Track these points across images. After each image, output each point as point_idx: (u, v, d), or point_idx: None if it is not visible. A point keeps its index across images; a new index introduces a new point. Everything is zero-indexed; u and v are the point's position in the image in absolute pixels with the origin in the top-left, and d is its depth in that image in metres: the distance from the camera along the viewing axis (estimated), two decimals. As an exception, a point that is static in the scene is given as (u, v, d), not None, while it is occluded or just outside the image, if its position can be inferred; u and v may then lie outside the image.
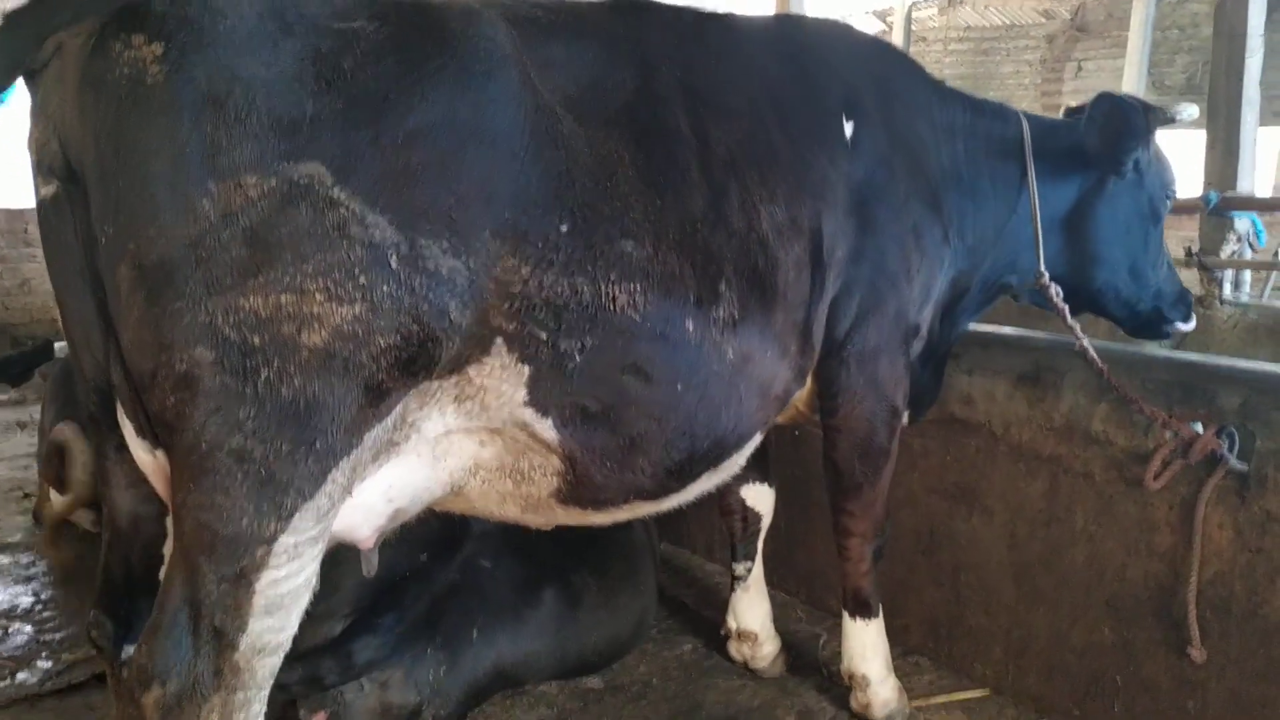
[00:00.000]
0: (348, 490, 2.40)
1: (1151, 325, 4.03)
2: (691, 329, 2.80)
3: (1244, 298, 5.71)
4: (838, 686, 3.99)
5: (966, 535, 4.09)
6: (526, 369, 2.57)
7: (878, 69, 3.62)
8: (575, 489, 2.87)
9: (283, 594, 2.32)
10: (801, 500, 4.68)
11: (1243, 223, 5.48)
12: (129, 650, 2.60)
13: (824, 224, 3.18)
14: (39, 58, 2.20)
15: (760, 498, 4.21)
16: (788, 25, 3.69)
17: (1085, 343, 3.62)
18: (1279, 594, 3.21)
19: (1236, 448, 3.30)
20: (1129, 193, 3.88)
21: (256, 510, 2.22)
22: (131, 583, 2.67)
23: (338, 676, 3.27)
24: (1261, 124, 5.73)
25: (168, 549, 2.57)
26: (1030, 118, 3.95)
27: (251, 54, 2.15)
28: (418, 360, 2.36)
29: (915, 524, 4.25)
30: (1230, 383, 3.34)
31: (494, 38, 2.49)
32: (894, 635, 4.37)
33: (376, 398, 2.32)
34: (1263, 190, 11.21)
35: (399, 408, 2.44)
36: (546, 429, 2.70)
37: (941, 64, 15.85)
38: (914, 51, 14.86)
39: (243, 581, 2.25)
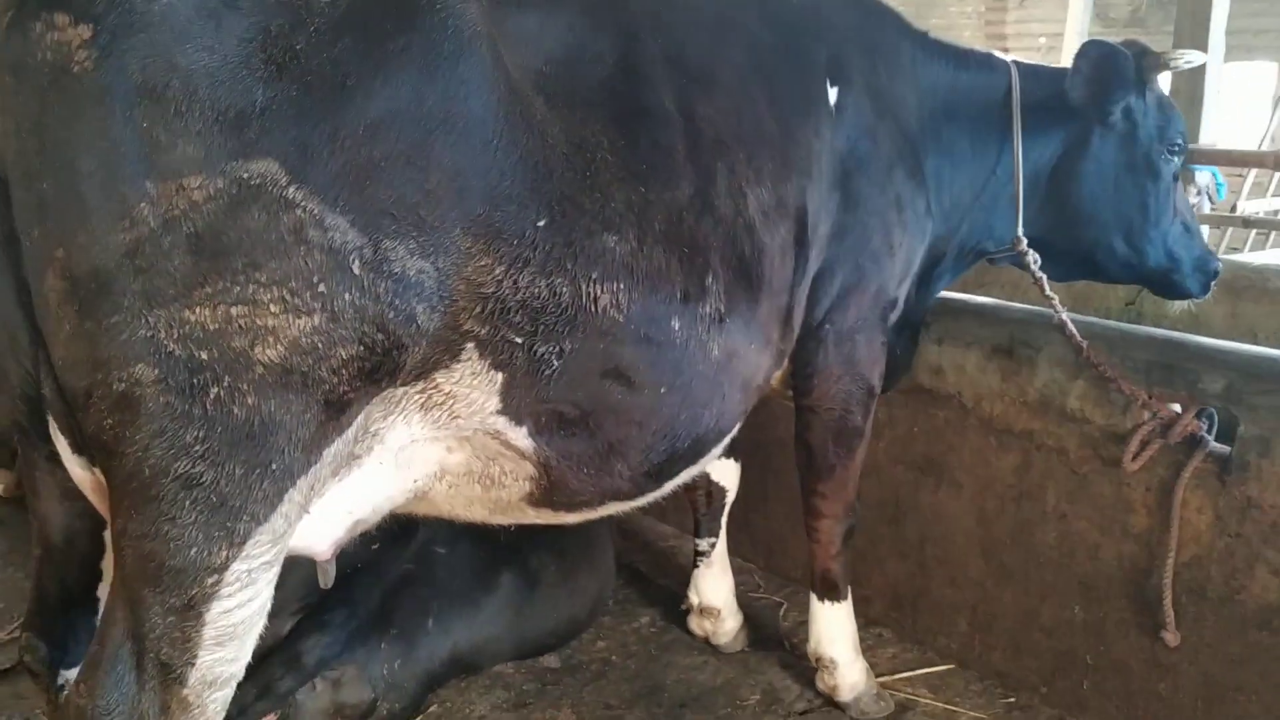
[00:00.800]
0: (305, 509, 2.20)
1: (1167, 288, 3.82)
2: (677, 328, 2.62)
3: (1201, 251, 5.65)
4: (801, 663, 3.91)
5: (933, 508, 4.00)
6: (500, 375, 2.38)
7: (860, 26, 3.43)
8: (549, 493, 2.70)
9: (235, 623, 2.11)
10: (759, 466, 4.54)
11: (1204, 175, 5.42)
12: (66, 675, 2.41)
13: (809, 201, 3.01)
14: None
15: (726, 473, 4.09)
16: None
17: (1064, 316, 3.51)
18: (1257, 580, 3.16)
19: (1215, 430, 3.24)
20: (1119, 146, 3.62)
21: (206, 538, 2.00)
22: (67, 601, 2.46)
23: (291, 681, 3.11)
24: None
25: (106, 564, 2.40)
26: (1019, 66, 3.72)
27: (192, 37, 1.89)
28: (381, 368, 2.16)
29: (880, 494, 4.15)
30: (1215, 365, 3.24)
31: (463, 12, 2.22)
32: (856, 606, 4.28)
33: (337, 411, 2.12)
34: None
35: (361, 418, 2.24)
36: (520, 437, 2.51)
37: (883, -10, 15.62)
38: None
39: (191, 613, 2.04)
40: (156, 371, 1.92)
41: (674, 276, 2.59)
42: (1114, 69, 3.45)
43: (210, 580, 2.04)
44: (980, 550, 3.87)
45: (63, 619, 2.46)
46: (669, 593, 4.48)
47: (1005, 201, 3.63)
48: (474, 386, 2.37)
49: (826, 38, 3.23)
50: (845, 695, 3.69)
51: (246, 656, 2.21)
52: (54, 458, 2.25)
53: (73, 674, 2.36)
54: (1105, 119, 3.55)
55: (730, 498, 4.15)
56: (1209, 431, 3.23)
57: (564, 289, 2.37)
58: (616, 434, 2.64)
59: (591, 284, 2.42)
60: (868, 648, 4.10)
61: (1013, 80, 3.61)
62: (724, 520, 4.16)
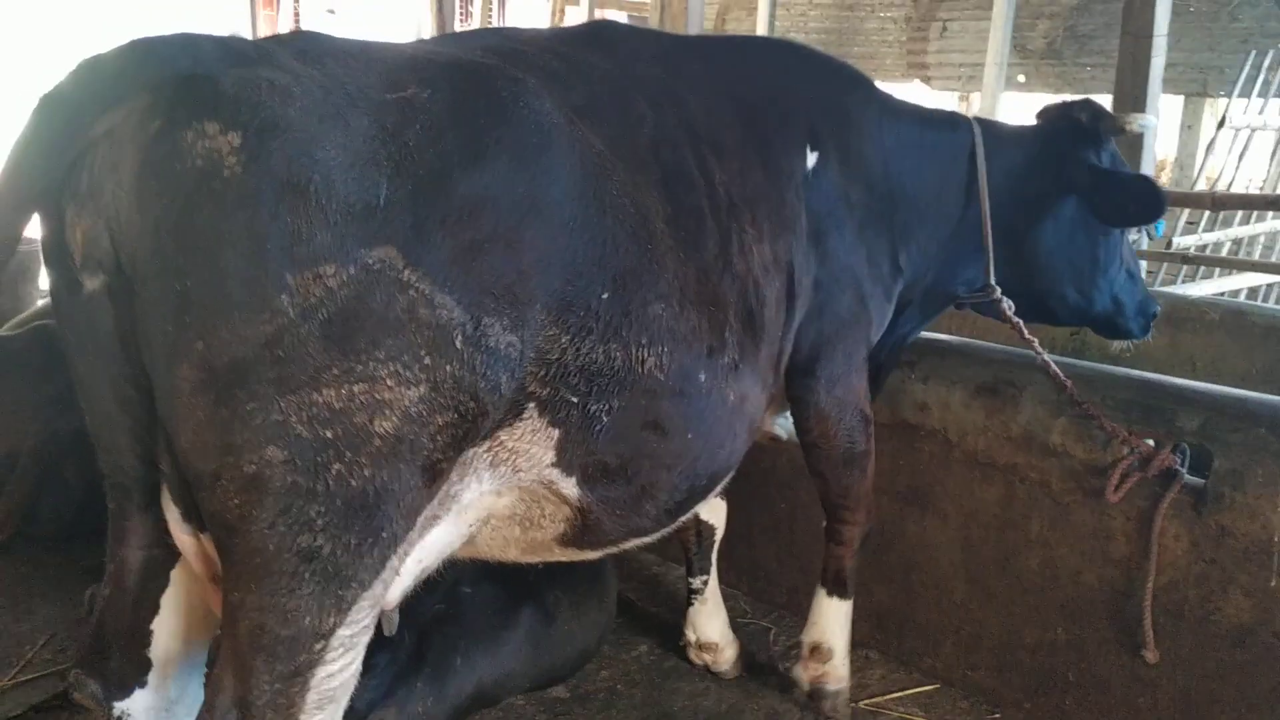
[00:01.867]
0: (399, 572, 2.34)
1: (1111, 330, 4.16)
2: (703, 379, 2.83)
3: (1139, 284, 6.00)
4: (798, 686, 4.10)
5: (918, 536, 4.23)
6: (556, 432, 2.55)
7: (832, 93, 3.66)
8: (581, 534, 2.88)
9: (335, 687, 2.24)
10: (742, 496, 4.73)
11: (1143, 214, 5.74)
12: (121, 706, 2.51)
13: (795, 256, 3.23)
14: (84, 142, 2.02)
15: (713, 511, 4.28)
16: (751, 48, 3.70)
17: (1046, 357, 3.77)
18: (1231, 602, 3.44)
19: (1188, 464, 3.52)
20: (1077, 202, 3.91)
21: (319, 608, 2.12)
22: (124, 638, 2.55)
23: None
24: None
25: (165, 600, 2.51)
26: (981, 123, 4.00)
27: (327, 136, 2.05)
28: (470, 435, 2.31)
29: (866, 523, 4.37)
30: (1190, 404, 3.53)
31: (543, 107, 2.44)
32: (842, 629, 4.53)
33: (432, 477, 2.26)
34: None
35: (445, 485, 2.38)
36: (569, 486, 2.69)
37: (806, 19, 16.03)
38: (779, 3, 14.95)
39: (297, 679, 2.16)
40: (285, 453, 2.02)
41: (703, 333, 2.81)
42: (1098, 183, 3.80)
43: (318, 647, 2.15)
44: (965, 576, 4.11)
45: (116, 655, 2.53)
46: (662, 620, 4.65)
47: (970, 250, 3.88)
48: (534, 443, 2.54)
49: (806, 106, 3.46)
50: (832, 685, 3.88)
51: (339, 717, 2.33)
52: (146, 509, 2.37)
53: (128, 703, 2.51)
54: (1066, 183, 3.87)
55: (719, 535, 4.35)
56: (1183, 465, 3.51)
57: (617, 354, 2.57)
58: (650, 478, 2.83)
59: (641, 348, 2.62)
60: (856, 669, 4.31)
61: (976, 137, 3.87)
62: (714, 557, 4.34)
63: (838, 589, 3.89)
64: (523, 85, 2.45)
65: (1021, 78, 14.51)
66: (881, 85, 4.03)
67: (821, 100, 3.56)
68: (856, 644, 4.43)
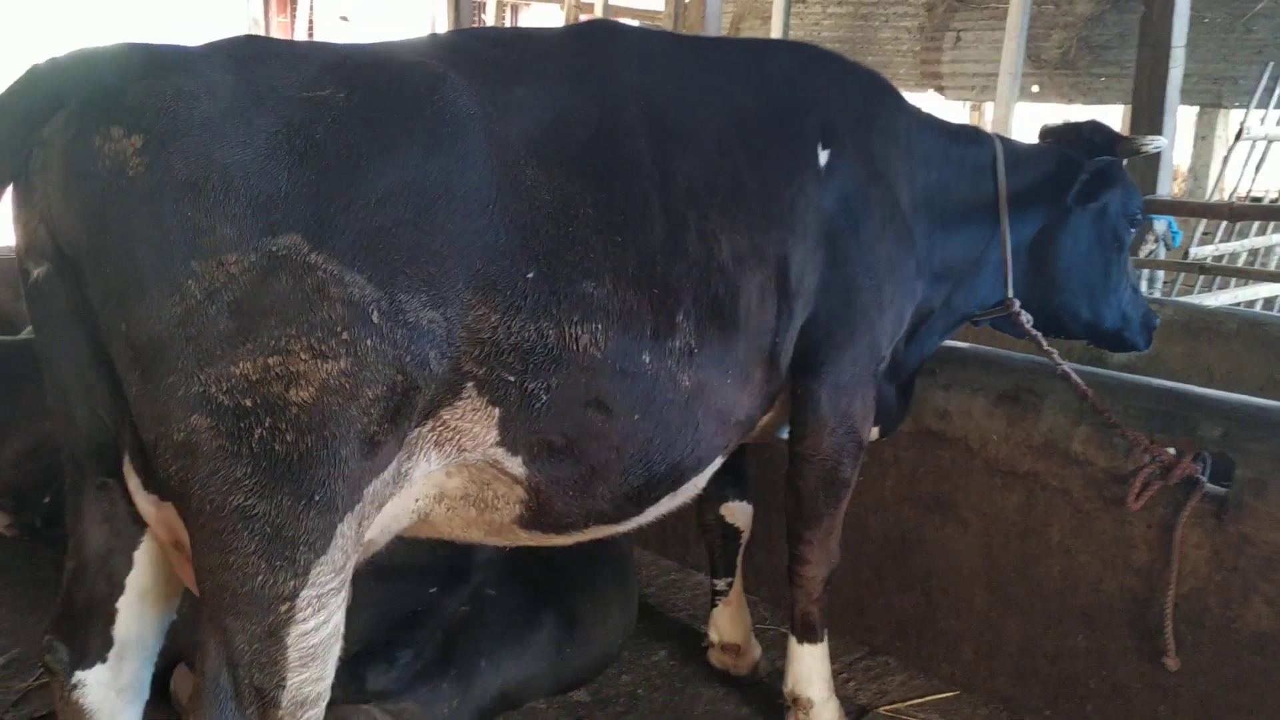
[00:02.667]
0: (358, 543, 2.45)
1: (1118, 344, 4.24)
2: (648, 361, 2.88)
3: (1156, 294, 6.05)
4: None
5: (938, 543, 4.26)
6: (497, 410, 2.65)
7: (857, 96, 3.67)
8: (537, 516, 2.95)
9: (314, 645, 2.38)
10: (762, 503, 4.75)
11: (1160, 224, 5.79)
12: (79, 675, 2.64)
13: (791, 252, 3.23)
14: (25, 147, 2.25)
15: (738, 514, 4.29)
16: (767, 51, 3.72)
17: (1066, 367, 3.80)
18: (1252, 610, 3.46)
19: (1208, 472, 3.54)
20: (1092, 221, 4.03)
21: (269, 566, 2.27)
22: (90, 612, 2.67)
23: (341, 694, 3.21)
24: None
25: (130, 580, 2.66)
26: (1003, 141, 4.06)
27: (226, 136, 2.22)
28: (403, 410, 2.42)
29: (885, 530, 4.41)
30: (1212, 413, 3.56)
31: (457, 100, 2.57)
32: (860, 635, 4.56)
33: (370, 450, 2.37)
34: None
35: (394, 463, 2.50)
36: (515, 465, 2.77)
37: (820, 28, 16.07)
38: (794, 13, 15.01)
39: (273, 637, 2.32)
40: (209, 420, 2.21)
41: (644, 315, 2.85)
42: (1107, 178, 3.87)
43: (284, 607, 2.31)
44: (985, 583, 4.13)
45: (84, 628, 2.66)
46: (681, 625, 4.68)
47: (990, 267, 3.95)
48: (475, 421, 2.64)
49: (822, 107, 3.47)
50: None
51: (330, 675, 2.47)
52: (103, 487, 2.56)
53: (86, 674, 2.64)
54: (1086, 206, 3.95)
55: (744, 538, 4.35)
56: (1204, 473, 3.54)
57: (550, 331, 2.66)
58: (597, 459, 2.89)
59: (573, 325, 2.70)
60: (875, 676, 4.35)
61: (997, 153, 3.93)
62: (739, 560, 4.35)
63: (807, 635, 3.83)
64: (441, 81, 2.58)
65: (1035, 88, 14.54)
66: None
67: (843, 102, 3.57)
68: (876, 651, 4.48)
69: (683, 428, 3.03)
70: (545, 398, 2.69)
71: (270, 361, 2.21)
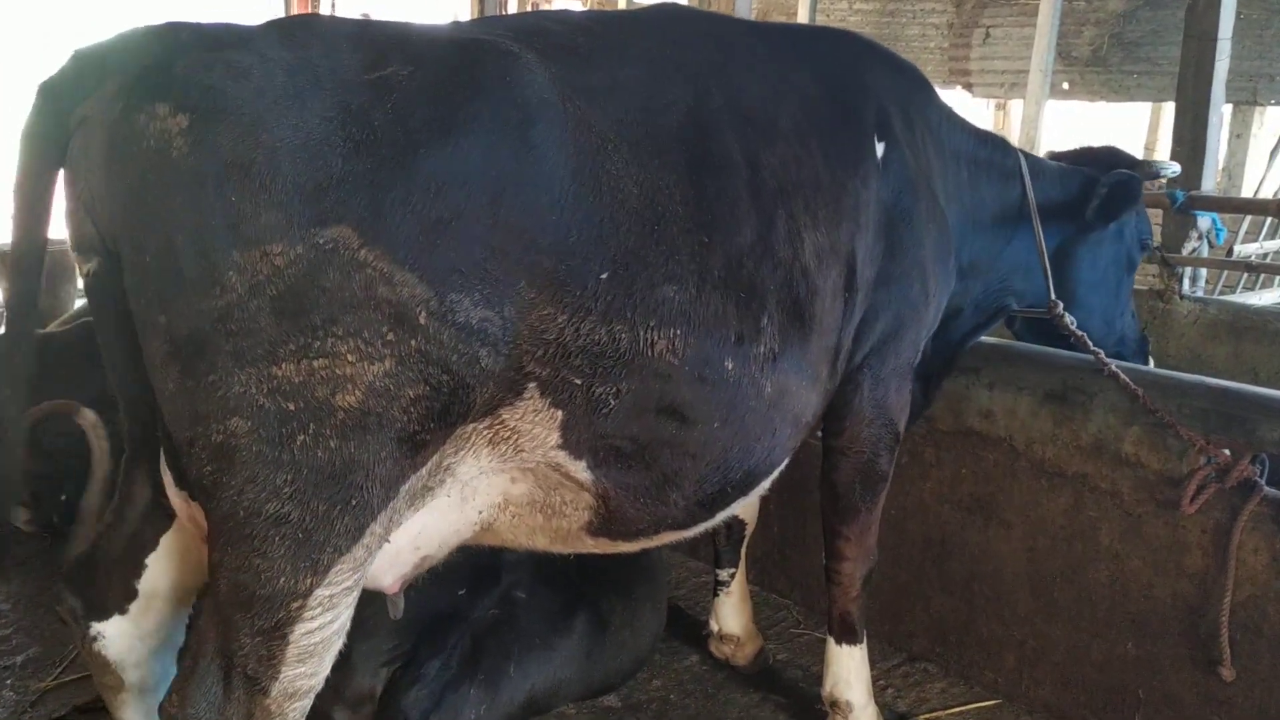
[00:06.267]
0: (385, 538, 2.38)
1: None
2: (731, 368, 2.75)
3: (1199, 293, 5.90)
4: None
5: (981, 546, 4.13)
6: (559, 413, 2.52)
7: (899, 89, 3.59)
8: (607, 523, 2.83)
9: (316, 643, 2.31)
10: (795, 502, 4.66)
11: (1204, 220, 5.65)
12: (96, 628, 2.66)
13: (858, 247, 3.13)
14: (65, 131, 2.16)
15: (744, 506, 4.17)
16: (816, 38, 3.63)
17: (1114, 367, 3.68)
18: (1313, 619, 3.32)
19: (1266, 475, 3.40)
20: (1111, 243, 4.17)
21: (293, 569, 2.20)
22: (112, 564, 2.67)
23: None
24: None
25: (165, 540, 2.66)
26: (1025, 155, 4.08)
27: (277, 118, 2.09)
28: (451, 409, 2.31)
29: (925, 532, 4.28)
30: (1271, 413, 3.42)
31: (532, 82, 2.41)
32: (898, 641, 4.44)
33: (412, 449, 2.28)
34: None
35: (436, 456, 2.40)
36: (580, 470, 2.65)
37: (846, 24, 15.90)
38: (819, 9, 14.88)
39: (277, 634, 2.25)
40: (249, 424, 2.11)
41: (729, 320, 2.72)
42: (1129, 194, 3.97)
43: (295, 605, 2.23)
44: (1029, 588, 4.00)
45: (104, 579, 2.67)
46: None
47: (1018, 269, 3.97)
48: (536, 423, 2.51)
49: (874, 97, 3.38)
50: None
51: (325, 671, 2.40)
52: (154, 461, 2.51)
53: (104, 625, 2.66)
54: (1107, 227, 4.07)
55: (749, 530, 4.29)
56: (1262, 476, 3.40)
57: (623, 335, 2.51)
58: (671, 466, 2.77)
59: (649, 330, 2.56)
60: (914, 683, 4.23)
61: (1022, 164, 3.95)
62: (743, 551, 4.29)
63: (846, 635, 3.74)
64: (513, 60, 2.43)
65: (1065, 85, 14.34)
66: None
67: (891, 93, 3.48)
68: (914, 657, 4.36)
69: (762, 434, 2.91)
70: (614, 403, 2.55)
71: (316, 364, 2.10)
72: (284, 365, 2.09)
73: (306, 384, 2.10)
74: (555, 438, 2.54)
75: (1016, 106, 15.00)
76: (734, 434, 2.82)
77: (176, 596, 2.70)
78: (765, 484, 3.22)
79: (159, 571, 2.64)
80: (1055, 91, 13.47)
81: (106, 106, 2.11)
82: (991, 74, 15.16)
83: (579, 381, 2.48)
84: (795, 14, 13.89)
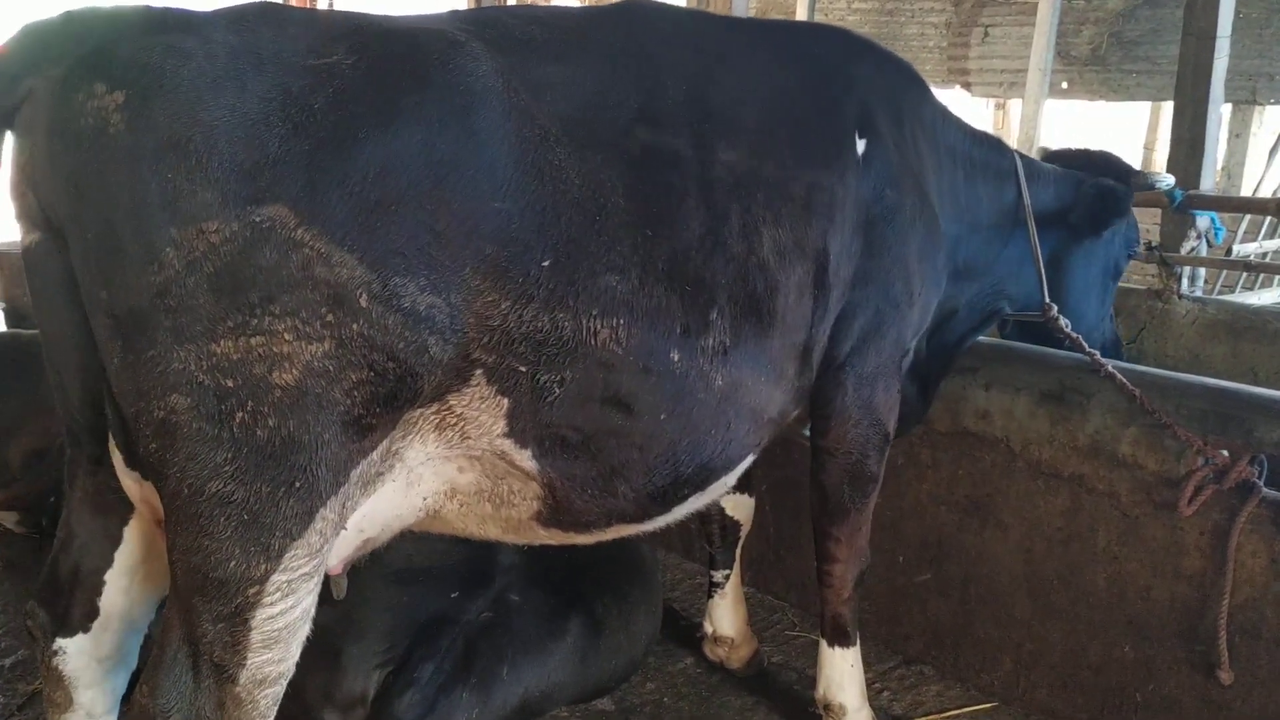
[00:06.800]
0: (341, 525, 2.38)
1: None
2: (677, 359, 2.75)
3: (1197, 292, 5.86)
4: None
5: (977, 548, 4.10)
6: (505, 401, 2.53)
7: (888, 84, 3.56)
8: (555, 513, 2.83)
9: (280, 628, 2.32)
10: (791, 504, 4.63)
11: (1203, 220, 5.61)
12: (60, 643, 2.67)
13: (830, 244, 3.11)
14: (10, 103, 2.18)
15: (739, 507, 4.21)
16: (800, 33, 3.61)
17: (1110, 368, 3.65)
18: (1312, 621, 3.29)
19: (1265, 476, 3.37)
20: (1101, 249, 4.22)
21: (243, 552, 2.21)
22: (75, 582, 2.68)
23: None
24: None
25: (119, 555, 2.67)
26: (1021, 156, 4.06)
27: (215, 98, 2.11)
28: (398, 395, 2.33)
29: (922, 535, 4.25)
30: (1270, 413, 3.39)
31: (475, 71, 2.43)
32: (894, 644, 4.41)
33: (359, 433, 2.29)
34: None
35: (385, 441, 2.41)
36: (525, 459, 2.66)
37: (844, 22, 15.86)
38: (818, 9, 14.84)
39: (238, 619, 2.26)
40: (189, 400, 2.13)
41: (674, 312, 2.72)
42: (1116, 205, 4.04)
43: (252, 590, 2.24)
44: (1026, 590, 3.97)
45: (66, 598, 2.68)
46: (707, 632, 4.52)
47: (1012, 270, 3.97)
48: (482, 410, 2.53)
49: (857, 92, 3.35)
50: None
51: (294, 657, 2.41)
52: (97, 461, 2.52)
53: (67, 642, 2.68)
54: (1098, 235, 4.13)
55: (744, 531, 4.27)
56: (1261, 477, 3.36)
57: (565, 324, 2.53)
58: (618, 457, 2.77)
59: (592, 319, 2.57)
60: (909, 686, 4.20)
61: (1018, 165, 3.94)
62: (737, 553, 4.27)
63: (839, 637, 3.72)
64: (458, 49, 2.44)
65: (1065, 84, 14.30)
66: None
67: (879, 90, 3.46)
68: (911, 660, 4.33)
69: (713, 428, 2.90)
70: (559, 391, 2.56)
71: (253, 342, 2.12)
72: (222, 342, 2.11)
73: (244, 361, 2.13)
74: (501, 425, 2.56)
75: (1015, 106, 14.97)
76: (682, 427, 2.82)
77: (135, 617, 2.73)
78: (727, 479, 3.19)
79: (117, 589, 2.67)
80: (1054, 91, 13.44)
81: (50, 83, 2.13)
82: (990, 73, 15.12)
83: (524, 369, 2.50)
84: (794, 14, 13.87)
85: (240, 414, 2.13)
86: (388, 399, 2.29)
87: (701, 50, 3.07)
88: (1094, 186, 4.06)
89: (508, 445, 2.59)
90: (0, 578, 4.85)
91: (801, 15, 12.81)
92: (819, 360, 3.25)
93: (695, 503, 3.16)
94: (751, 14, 17.07)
